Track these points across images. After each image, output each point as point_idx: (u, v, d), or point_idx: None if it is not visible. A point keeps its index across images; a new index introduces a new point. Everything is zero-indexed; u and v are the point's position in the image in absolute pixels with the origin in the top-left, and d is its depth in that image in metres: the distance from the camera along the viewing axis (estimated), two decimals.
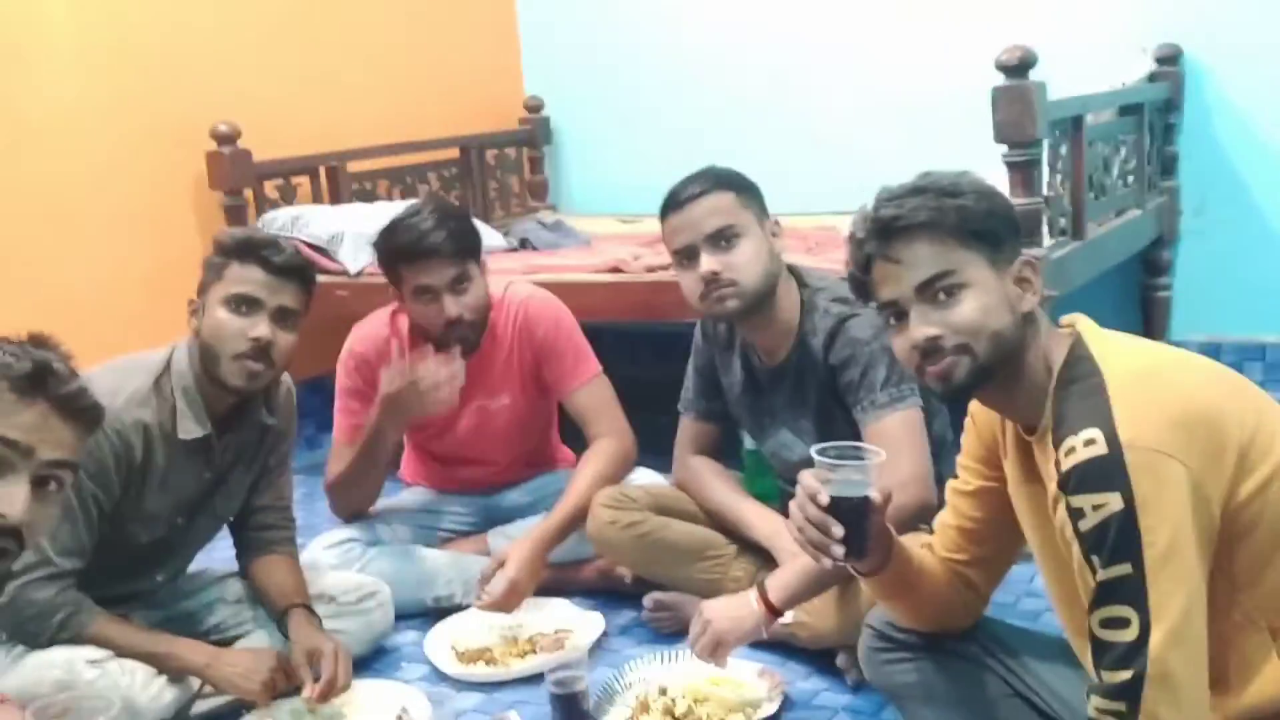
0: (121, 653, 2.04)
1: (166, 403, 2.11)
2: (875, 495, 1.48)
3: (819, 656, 2.21)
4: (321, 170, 3.79)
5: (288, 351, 2.11)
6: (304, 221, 3.42)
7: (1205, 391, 1.35)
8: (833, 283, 2.24)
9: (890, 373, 2.13)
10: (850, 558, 1.51)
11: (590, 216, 4.13)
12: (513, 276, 2.84)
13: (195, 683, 2.12)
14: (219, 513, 2.30)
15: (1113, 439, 1.27)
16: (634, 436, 2.60)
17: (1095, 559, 1.28)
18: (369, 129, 3.93)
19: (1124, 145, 3.27)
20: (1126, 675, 1.26)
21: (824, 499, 1.47)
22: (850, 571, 1.62)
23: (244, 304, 2.07)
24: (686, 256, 2.19)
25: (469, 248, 2.48)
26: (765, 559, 2.29)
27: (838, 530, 1.47)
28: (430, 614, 2.54)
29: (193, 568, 2.39)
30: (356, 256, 3.32)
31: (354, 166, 3.86)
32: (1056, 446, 1.33)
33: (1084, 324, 1.45)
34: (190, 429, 2.12)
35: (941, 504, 1.70)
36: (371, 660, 2.40)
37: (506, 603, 2.36)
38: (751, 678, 2.11)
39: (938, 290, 1.41)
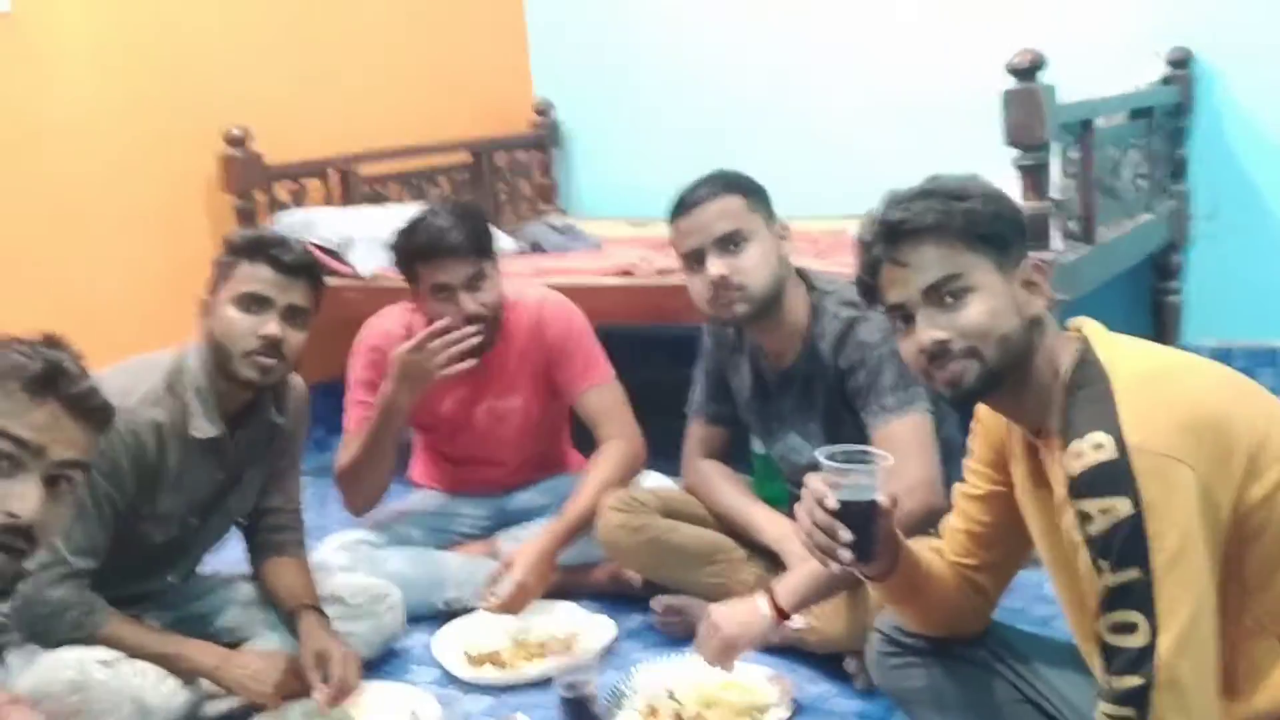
0: (132, 653, 2.04)
1: (179, 402, 2.12)
2: (882, 499, 1.48)
3: (828, 661, 2.21)
4: (333, 173, 3.81)
5: (298, 348, 2.12)
6: (315, 224, 3.44)
7: (1213, 396, 1.35)
8: (841, 286, 2.23)
9: (899, 377, 2.12)
10: (858, 562, 1.51)
11: (600, 220, 4.12)
12: (523, 280, 2.84)
13: (206, 684, 2.12)
14: (232, 513, 2.31)
15: (1121, 443, 1.27)
16: (643, 439, 2.60)
17: (1103, 564, 1.28)
18: (380, 132, 3.95)
19: (1134, 149, 3.26)
20: (1135, 681, 1.26)
21: (831, 503, 1.47)
22: (858, 576, 1.62)
23: (254, 302, 2.08)
24: (695, 260, 2.19)
25: (485, 246, 2.50)
26: (774, 563, 2.28)
27: (845, 534, 1.47)
28: (441, 616, 2.53)
29: (203, 570, 2.40)
30: (367, 260, 3.33)
31: (365, 170, 3.88)
32: (1064, 451, 1.33)
33: (1091, 328, 1.45)
34: (203, 428, 2.13)
35: (950, 508, 1.70)
36: (381, 663, 2.40)
37: (513, 605, 2.36)
38: (760, 682, 2.11)
39: (945, 293, 1.41)
